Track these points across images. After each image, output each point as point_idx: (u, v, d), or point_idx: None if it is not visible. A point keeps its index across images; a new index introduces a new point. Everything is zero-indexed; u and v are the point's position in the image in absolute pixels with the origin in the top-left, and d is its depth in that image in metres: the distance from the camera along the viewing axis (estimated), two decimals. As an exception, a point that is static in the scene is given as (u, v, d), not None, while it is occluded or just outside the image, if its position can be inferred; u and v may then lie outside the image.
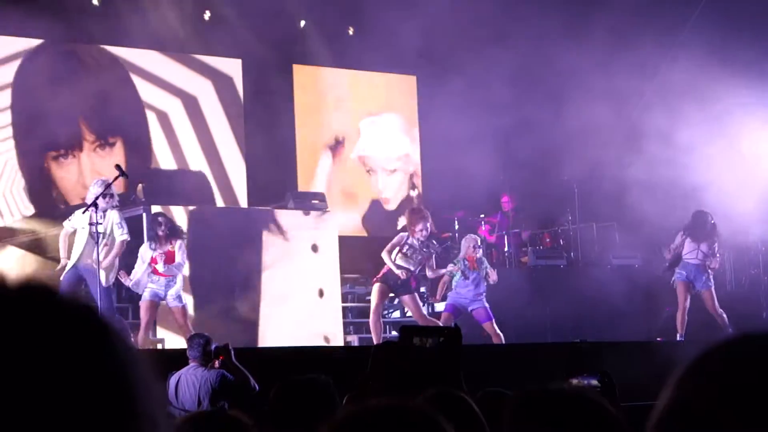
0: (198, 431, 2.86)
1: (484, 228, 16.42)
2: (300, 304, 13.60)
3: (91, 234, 10.93)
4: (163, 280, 11.24)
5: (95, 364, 0.92)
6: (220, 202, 16.21)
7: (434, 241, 12.25)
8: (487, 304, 12.32)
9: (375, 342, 11.58)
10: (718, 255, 12.92)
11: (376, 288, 12.13)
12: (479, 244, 12.64)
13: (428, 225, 11.98)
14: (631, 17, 14.87)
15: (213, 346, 8.25)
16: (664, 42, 15.06)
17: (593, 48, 14.23)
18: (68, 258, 11.09)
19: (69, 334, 0.92)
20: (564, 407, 2.27)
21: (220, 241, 13.27)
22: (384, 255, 11.97)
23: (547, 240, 16.67)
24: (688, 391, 1.10)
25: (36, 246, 13.74)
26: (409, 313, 13.21)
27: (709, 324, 12.67)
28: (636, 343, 13.72)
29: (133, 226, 12.05)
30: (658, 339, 13.75)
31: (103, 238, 10.94)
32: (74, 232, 11.18)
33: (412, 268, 11.93)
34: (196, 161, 16.55)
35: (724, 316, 12.80)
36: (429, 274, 12.17)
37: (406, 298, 12.14)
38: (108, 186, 11.11)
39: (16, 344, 0.89)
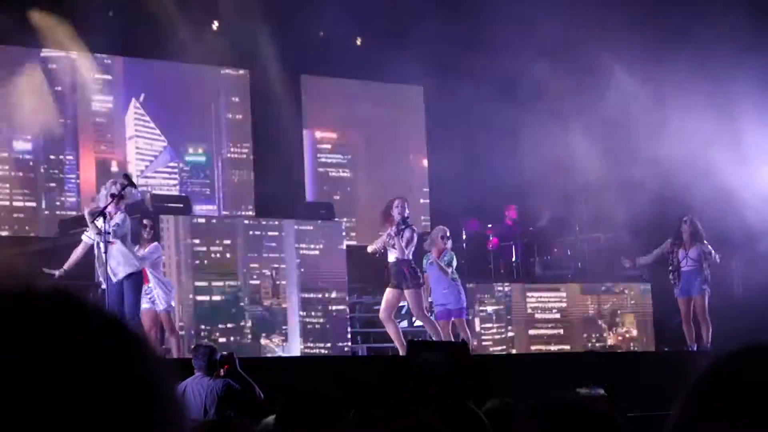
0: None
1: (492, 239, 16.39)
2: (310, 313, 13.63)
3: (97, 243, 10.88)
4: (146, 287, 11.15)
5: (125, 374, 0.93)
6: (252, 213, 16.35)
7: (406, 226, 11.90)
8: (453, 304, 12.10)
9: (400, 350, 11.38)
10: (713, 256, 12.81)
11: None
12: (447, 235, 12.53)
13: (404, 204, 11.88)
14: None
15: (218, 356, 8.24)
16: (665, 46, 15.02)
17: (596, 50, 14.22)
18: (66, 268, 10.93)
19: (98, 342, 0.93)
20: (572, 417, 2.26)
21: (227, 251, 13.31)
22: (369, 248, 12.00)
23: (555, 250, 16.65)
24: (697, 405, 1.09)
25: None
26: (417, 322, 13.13)
27: (723, 330, 12.56)
28: (644, 353, 13.71)
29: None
30: (666, 349, 13.72)
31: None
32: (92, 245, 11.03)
33: (399, 256, 11.74)
34: (205, 170, 16.62)
35: (710, 327, 12.72)
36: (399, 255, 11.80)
37: (405, 293, 11.86)
38: (117, 195, 11.10)
39: (45, 352, 0.90)
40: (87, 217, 10.89)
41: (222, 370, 8.13)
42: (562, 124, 14.79)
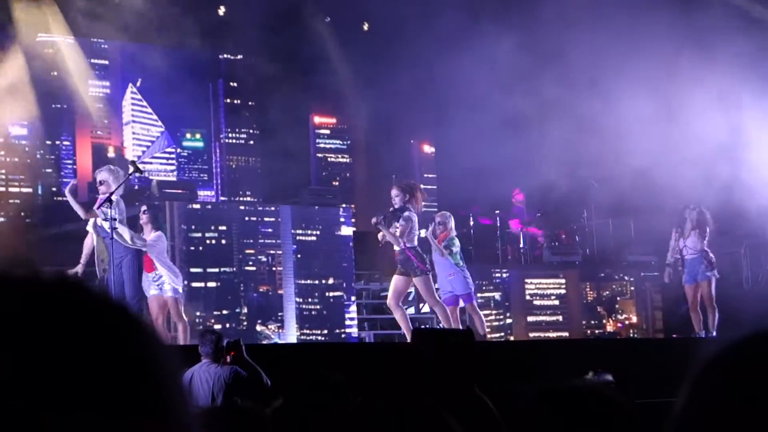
0: (216, 425, 2.85)
1: (512, 220, 16.35)
2: (314, 300, 13.63)
3: (99, 228, 10.81)
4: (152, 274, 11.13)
5: (129, 360, 0.93)
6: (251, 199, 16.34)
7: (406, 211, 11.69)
8: (460, 290, 11.98)
9: (408, 336, 11.29)
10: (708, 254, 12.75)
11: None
12: (448, 217, 12.41)
13: (400, 193, 11.66)
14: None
15: (224, 342, 8.24)
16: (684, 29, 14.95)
17: (614, 38, 14.16)
18: (83, 262, 10.87)
19: (102, 329, 0.93)
20: (580, 403, 2.24)
21: (222, 237, 13.30)
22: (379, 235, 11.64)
23: (563, 236, 16.64)
24: (704, 392, 1.08)
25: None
26: (425, 309, 13.09)
27: (731, 318, 12.51)
28: (652, 340, 13.69)
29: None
30: (674, 336, 13.70)
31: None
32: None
33: (401, 245, 11.62)
34: (203, 155, 16.63)
35: (717, 314, 12.63)
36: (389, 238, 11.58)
37: (414, 280, 11.72)
38: (124, 181, 11.07)
39: (52, 338, 0.90)
40: (80, 209, 10.76)
41: (229, 357, 8.13)
42: (570, 108, 14.74)
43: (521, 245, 16.29)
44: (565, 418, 2.18)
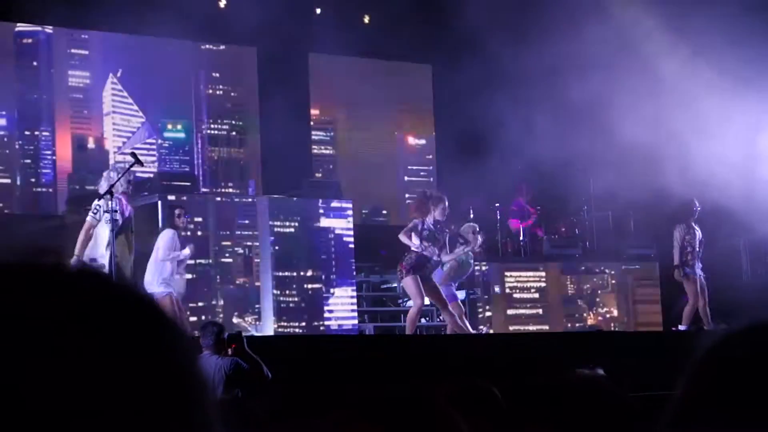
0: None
1: (512, 219, 16.32)
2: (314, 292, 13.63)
3: (105, 222, 10.77)
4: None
5: (155, 355, 0.91)
6: (233, 191, 16.24)
7: (444, 226, 12.00)
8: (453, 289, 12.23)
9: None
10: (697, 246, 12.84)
11: (410, 281, 11.66)
12: (478, 230, 12.56)
13: (446, 206, 11.85)
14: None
15: (225, 334, 8.26)
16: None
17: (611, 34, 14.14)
18: (78, 254, 10.79)
19: (128, 321, 0.91)
20: (577, 395, 2.26)
21: (198, 229, 13.25)
22: (402, 237, 11.67)
23: (563, 229, 16.61)
24: (701, 384, 1.09)
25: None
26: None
27: (726, 313, 12.55)
28: (650, 333, 13.70)
29: (148, 214, 12.05)
30: (673, 329, 13.72)
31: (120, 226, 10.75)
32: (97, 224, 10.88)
33: (437, 252, 11.71)
34: (184, 146, 16.55)
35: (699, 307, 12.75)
36: (444, 258, 11.96)
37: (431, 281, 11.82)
38: (124, 173, 11.07)
39: (75, 332, 0.88)
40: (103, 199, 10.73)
41: (230, 349, 8.15)
42: (570, 101, 14.72)
43: (521, 238, 16.26)
44: (562, 411, 2.20)
